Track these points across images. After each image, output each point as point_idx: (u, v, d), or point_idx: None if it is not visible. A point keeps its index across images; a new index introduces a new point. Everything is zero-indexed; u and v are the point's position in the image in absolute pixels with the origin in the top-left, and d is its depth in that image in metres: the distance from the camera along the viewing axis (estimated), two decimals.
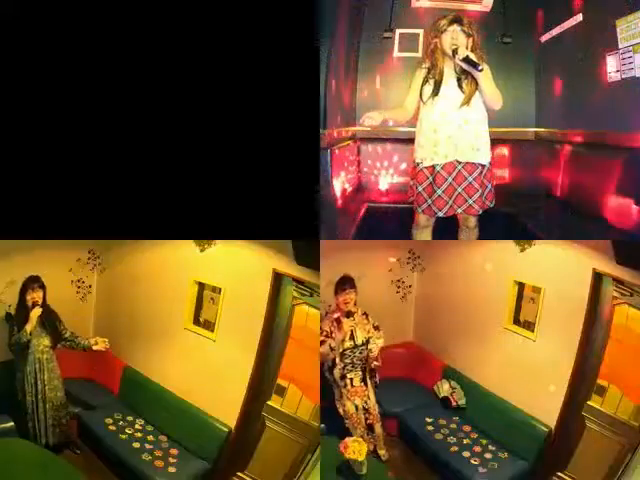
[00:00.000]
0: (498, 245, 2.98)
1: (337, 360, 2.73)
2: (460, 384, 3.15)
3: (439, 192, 2.67)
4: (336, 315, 2.75)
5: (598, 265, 2.44)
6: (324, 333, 2.75)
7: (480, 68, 2.48)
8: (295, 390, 2.69)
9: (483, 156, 2.68)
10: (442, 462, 2.73)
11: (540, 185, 4.43)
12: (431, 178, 2.69)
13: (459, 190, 2.68)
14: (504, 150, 4.58)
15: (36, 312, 2.66)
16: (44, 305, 2.74)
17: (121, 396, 3.13)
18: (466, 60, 2.49)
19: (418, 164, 2.73)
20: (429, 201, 2.71)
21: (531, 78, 4.61)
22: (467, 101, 2.59)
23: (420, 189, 2.73)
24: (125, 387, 3.13)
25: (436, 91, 2.61)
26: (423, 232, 2.88)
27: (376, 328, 2.80)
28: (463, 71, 2.58)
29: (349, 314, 2.75)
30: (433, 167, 2.67)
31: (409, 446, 3.01)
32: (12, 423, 2.71)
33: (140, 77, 2.40)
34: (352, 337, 2.74)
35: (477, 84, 2.57)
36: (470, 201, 2.69)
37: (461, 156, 2.64)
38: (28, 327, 2.63)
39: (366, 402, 2.78)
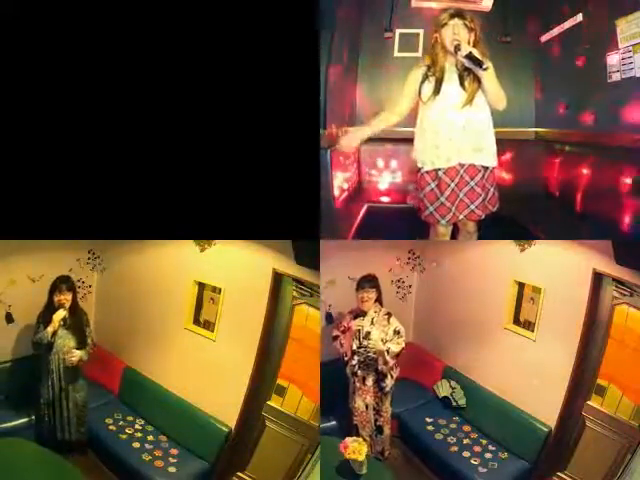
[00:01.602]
0: (498, 245, 2.98)
1: (348, 357, 2.74)
2: (460, 384, 3.15)
3: (442, 199, 2.54)
4: (356, 312, 2.78)
5: (598, 265, 2.44)
6: (341, 328, 2.78)
7: (485, 67, 2.33)
8: (295, 390, 2.69)
9: (486, 158, 2.53)
10: (442, 462, 2.73)
11: (540, 185, 4.43)
12: (433, 184, 2.55)
13: (461, 196, 2.53)
14: (504, 150, 4.58)
15: (58, 315, 2.64)
16: (74, 307, 2.74)
17: (121, 396, 3.13)
18: (469, 57, 2.33)
19: (419, 168, 2.59)
20: (431, 208, 2.57)
21: (531, 78, 4.61)
22: (470, 100, 2.44)
23: (422, 195, 2.59)
24: (125, 387, 3.13)
25: (437, 89, 2.46)
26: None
27: (396, 333, 2.73)
28: (465, 68, 2.43)
29: (360, 314, 2.75)
30: (436, 172, 2.53)
31: (409, 446, 3.01)
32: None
33: (139, 76, 2.40)
34: (361, 337, 2.72)
35: (480, 82, 2.42)
36: (472, 206, 2.54)
37: (463, 158, 2.49)
38: (50, 329, 2.63)
39: (377, 403, 2.78)
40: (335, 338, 2.80)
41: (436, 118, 2.49)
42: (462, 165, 2.51)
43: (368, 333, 2.71)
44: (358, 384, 2.76)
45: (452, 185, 2.52)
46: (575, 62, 3.78)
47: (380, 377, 2.74)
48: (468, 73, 2.44)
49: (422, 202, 2.61)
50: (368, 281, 2.77)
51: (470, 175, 2.52)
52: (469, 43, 2.38)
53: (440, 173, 2.52)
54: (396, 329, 2.74)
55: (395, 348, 2.70)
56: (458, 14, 2.39)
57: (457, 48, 2.36)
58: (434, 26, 2.45)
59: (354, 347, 2.72)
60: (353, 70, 4.58)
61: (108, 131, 2.41)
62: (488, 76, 2.40)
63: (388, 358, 2.68)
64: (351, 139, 2.64)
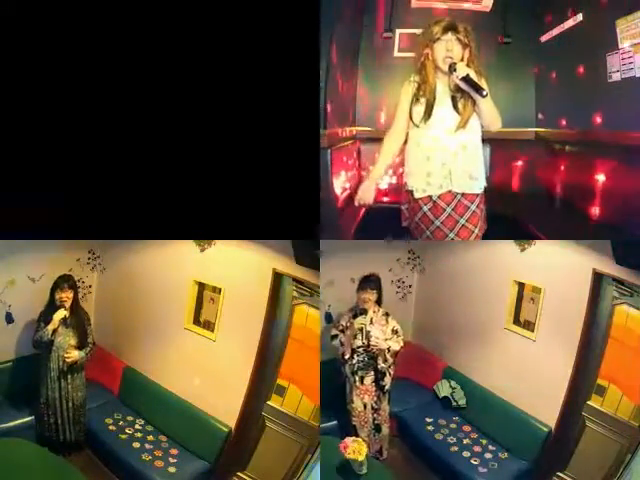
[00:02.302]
0: (498, 245, 2.98)
1: (348, 356, 2.73)
2: (460, 384, 3.15)
3: (437, 223, 2.39)
4: (355, 311, 2.77)
5: (598, 265, 2.44)
6: (340, 327, 2.77)
7: (485, 94, 2.13)
8: (295, 390, 2.69)
9: (480, 184, 2.40)
10: (442, 462, 2.73)
11: (540, 185, 4.43)
12: (426, 208, 2.40)
13: (462, 222, 2.38)
14: (505, 151, 4.58)
15: (59, 314, 2.66)
16: (75, 306, 2.75)
17: (121, 396, 3.13)
18: (466, 80, 2.15)
19: (411, 192, 2.44)
20: (427, 232, 2.44)
21: (531, 78, 4.61)
22: (464, 124, 2.26)
23: (417, 219, 2.46)
24: (125, 387, 3.14)
25: (428, 113, 2.27)
26: None
27: (395, 332, 2.77)
28: (458, 89, 2.24)
29: (361, 312, 2.74)
30: (429, 196, 2.38)
31: (409, 446, 3.01)
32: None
33: (140, 77, 2.40)
34: (363, 336, 2.72)
35: (474, 104, 2.24)
36: (476, 230, 2.42)
37: (457, 187, 2.35)
38: (50, 327, 2.65)
39: (376, 402, 2.79)
40: (334, 337, 2.80)
41: (428, 143, 2.32)
42: (457, 192, 2.37)
43: (368, 332, 2.71)
44: (357, 384, 2.76)
45: (448, 210, 2.38)
46: (575, 60, 3.79)
47: (379, 376, 2.76)
48: (462, 94, 2.25)
49: (419, 226, 2.48)
50: (370, 281, 2.78)
51: (469, 200, 2.39)
52: (463, 59, 2.20)
53: (434, 197, 2.38)
54: (394, 328, 2.77)
55: (395, 346, 2.74)
56: (452, 28, 2.20)
57: (452, 68, 2.17)
58: (425, 40, 2.25)
59: (355, 345, 2.72)
60: (353, 70, 4.58)
61: (108, 132, 2.41)
62: (483, 102, 2.21)
63: (388, 356, 2.71)
64: (366, 193, 2.45)
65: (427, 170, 2.34)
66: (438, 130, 2.29)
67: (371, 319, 2.75)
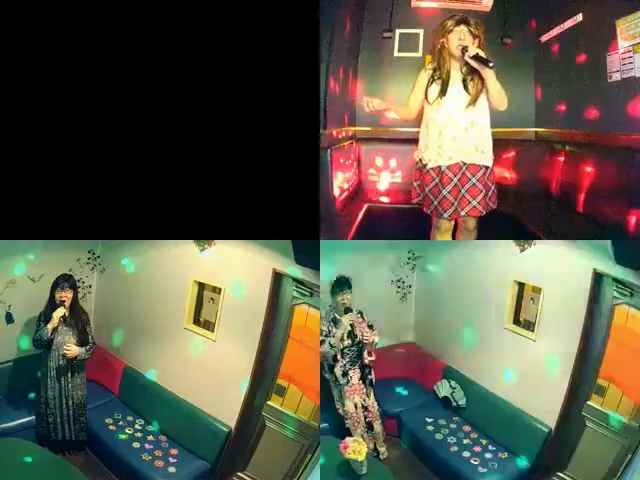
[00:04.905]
0: (498, 245, 2.98)
1: (339, 357, 2.73)
2: (460, 384, 3.15)
3: (444, 192, 2.70)
4: (332, 315, 2.76)
5: (598, 265, 2.44)
6: (323, 333, 2.76)
7: (491, 65, 2.49)
8: (295, 390, 2.69)
9: (487, 158, 2.71)
10: (442, 462, 2.73)
11: (540, 185, 4.43)
12: (437, 179, 2.72)
13: (462, 192, 2.69)
14: (504, 150, 4.58)
15: (58, 312, 2.67)
16: (74, 305, 2.77)
17: (121, 396, 3.13)
18: (476, 58, 2.51)
19: (425, 165, 2.76)
20: (435, 202, 2.74)
21: (531, 78, 4.61)
22: (473, 102, 2.61)
23: (427, 190, 2.77)
24: (125, 387, 3.13)
25: (443, 92, 2.64)
26: (444, 236, 2.88)
27: (370, 327, 2.82)
28: (469, 72, 2.61)
29: (347, 310, 2.75)
30: (439, 167, 2.71)
31: (409, 446, 3.01)
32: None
33: (140, 77, 2.40)
34: (350, 334, 2.74)
35: (483, 85, 2.59)
36: (474, 202, 2.70)
37: (466, 158, 2.67)
38: (50, 325, 2.65)
39: (365, 400, 2.79)
40: (322, 342, 2.75)
41: (441, 119, 2.66)
42: (465, 163, 2.67)
43: (351, 331, 2.74)
44: (347, 384, 2.76)
45: (455, 180, 2.68)
46: (575, 60, 3.79)
47: (367, 370, 2.80)
48: (472, 77, 2.61)
49: (427, 197, 2.78)
50: (346, 283, 2.77)
51: (472, 172, 2.69)
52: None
53: (443, 168, 2.69)
54: (369, 324, 2.84)
55: (377, 339, 2.81)
56: (464, 21, 2.56)
57: (464, 50, 2.53)
58: (440, 32, 2.61)
59: (342, 346, 2.73)
60: (353, 70, 4.58)
61: (108, 131, 2.41)
62: (491, 77, 2.56)
63: (372, 350, 2.79)
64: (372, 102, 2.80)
65: (439, 143, 2.68)
66: (450, 108, 2.64)
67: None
